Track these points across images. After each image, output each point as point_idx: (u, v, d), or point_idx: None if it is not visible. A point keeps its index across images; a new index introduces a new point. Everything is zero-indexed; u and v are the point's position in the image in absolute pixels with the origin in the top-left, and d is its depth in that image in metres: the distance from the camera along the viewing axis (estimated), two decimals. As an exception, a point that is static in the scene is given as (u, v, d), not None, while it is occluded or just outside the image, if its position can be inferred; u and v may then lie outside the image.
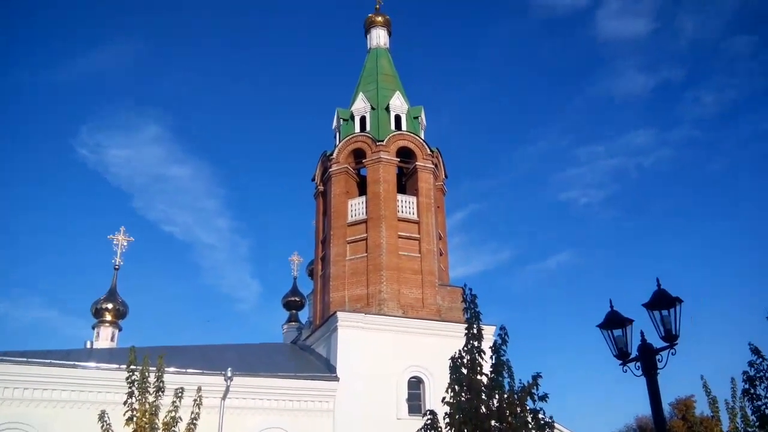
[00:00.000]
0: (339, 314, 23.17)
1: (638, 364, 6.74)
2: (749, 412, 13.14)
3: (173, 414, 11.59)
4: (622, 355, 7.04)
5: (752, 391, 12.31)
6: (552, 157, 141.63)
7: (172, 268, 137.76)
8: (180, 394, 11.91)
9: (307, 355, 26.02)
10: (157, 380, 12.07)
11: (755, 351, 12.51)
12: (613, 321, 7.14)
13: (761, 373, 12.26)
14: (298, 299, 37.32)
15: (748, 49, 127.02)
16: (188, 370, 20.23)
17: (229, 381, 20.63)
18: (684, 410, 63.00)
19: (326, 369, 23.24)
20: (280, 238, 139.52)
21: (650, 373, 6.66)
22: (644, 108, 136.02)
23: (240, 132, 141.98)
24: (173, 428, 11.51)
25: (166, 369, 19.53)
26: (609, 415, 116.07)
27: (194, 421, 11.74)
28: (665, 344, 6.65)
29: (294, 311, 37.77)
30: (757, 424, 12.55)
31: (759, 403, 12.22)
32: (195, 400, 12.26)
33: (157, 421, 11.41)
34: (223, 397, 20.62)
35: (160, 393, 11.91)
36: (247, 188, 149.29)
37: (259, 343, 30.21)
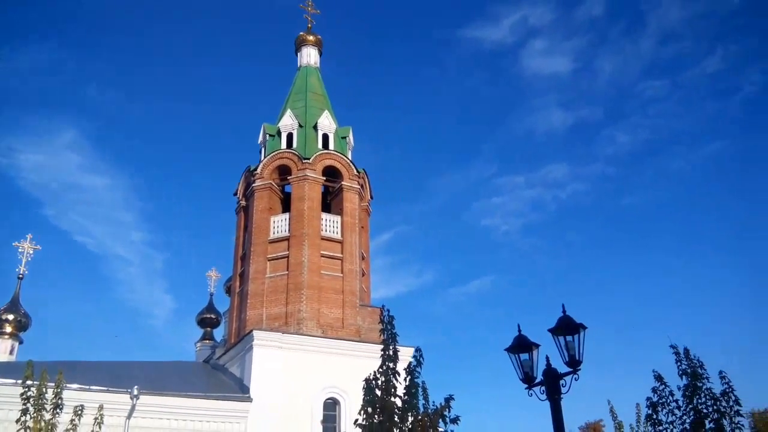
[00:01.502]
0: (255, 333, 22.68)
1: (543, 388, 6.91)
2: (652, 437, 13.68)
3: (70, 433, 10.97)
4: (528, 379, 7.21)
5: (654, 416, 12.83)
6: (475, 185, 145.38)
7: (82, 280, 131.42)
8: (79, 412, 11.28)
9: (219, 374, 25.28)
10: (56, 397, 11.38)
11: (658, 378, 13.06)
12: (521, 345, 7.33)
13: (663, 399, 12.81)
14: (213, 316, 36.31)
15: (660, 93, 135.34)
16: (92, 387, 19.25)
17: (135, 399, 19.76)
18: (593, 434, 65.40)
19: (239, 389, 22.64)
20: (197, 254, 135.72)
21: (554, 397, 6.83)
22: (562, 143, 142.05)
23: (161, 143, 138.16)
24: (70, 449, 10.89)
25: (67, 385, 18.47)
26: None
27: (93, 441, 11.15)
28: (569, 369, 6.85)
29: (209, 329, 36.70)
30: (658, 448, 13.05)
31: (660, 428, 12.75)
32: (96, 419, 11.65)
33: (52, 440, 10.75)
34: (128, 416, 19.72)
35: (58, 410, 11.24)
36: (166, 201, 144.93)
37: (170, 360, 29.17)
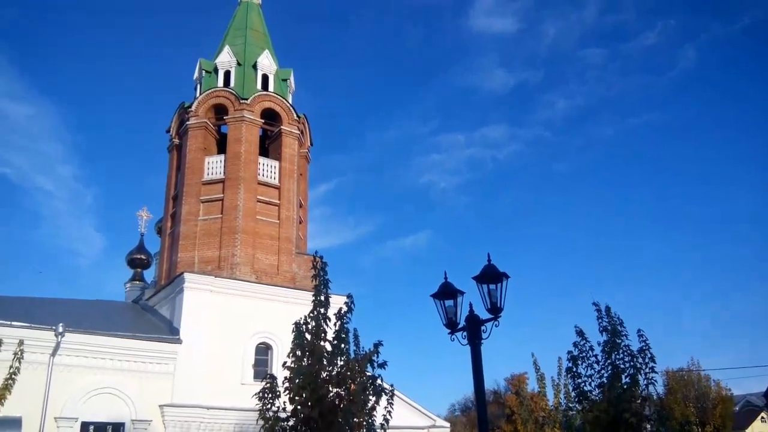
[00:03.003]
0: (186, 275, 22.38)
1: (465, 333, 7.17)
2: (570, 389, 14.45)
3: (-12, 369, 10.67)
4: (451, 325, 7.46)
5: (574, 369, 13.54)
6: (416, 141, 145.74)
7: (3, 213, 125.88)
8: (-2, 347, 11.00)
9: (149, 315, 24.96)
10: (-29, 331, 11.00)
11: (579, 333, 13.73)
12: (446, 292, 7.54)
13: (584, 354, 13.50)
14: (144, 257, 35.54)
15: (599, 61, 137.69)
16: (13, 323, 18.62)
17: (60, 336, 19.29)
18: (517, 385, 68.58)
19: (169, 331, 22.44)
20: (128, 192, 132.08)
21: (474, 342, 7.10)
22: (502, 104, 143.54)
23: (93, 74, 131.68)
24: (-13, 383, 10.61)
25: (-14, 321, 17.97)
26: (450, 388, 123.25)
27: (13, 376, 10.87)
28: (490, 316, 7.11)
29: (139, 270, 35.96)
30: (576, 399, 13.81)
31: (579, 380, 13.47)
32: (15, 354, 11.35)
33: (-33, 375, 10.43)
34: (53, 354, 19.28)
35: (-27, 345, 10.88)
36: (96, 135, 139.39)
37: (98, 299, 28.58)
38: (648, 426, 13.43)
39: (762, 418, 79.08)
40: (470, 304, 7.39)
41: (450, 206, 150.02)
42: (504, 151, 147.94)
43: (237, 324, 22.67)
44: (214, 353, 21.89)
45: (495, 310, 7.11)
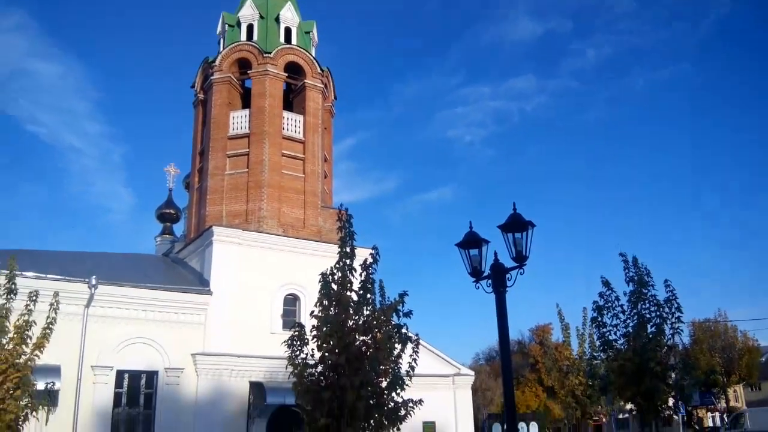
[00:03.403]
0: (215, 228, 22.74)
1: (489, 282, 7.23)
2: (595, 338, 14.57)
3: (26, 318, 11.03)
4: (476, 273, 7.51)
5: (599, 319, 13.62)
6: (441, 94, 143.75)
7: (35, 171, 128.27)
8: (34, 298, 11.33)
9: (179, 267, 25.50)
10: (9, 282, 11.35)
11: (606, 284, 13.76)
12: (471, 241, 7.55)
13: (609, 304, 13.55)
14: (173, 212, 36.08)
15: (630, 10, 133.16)
16: (48, 276, 19.23)
17: (93, 289, 19.87)
18: (542, 336, 69.21)
19: (199, 283, 22.94)
20: (156, 148, 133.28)
21: (499, 290, 7.15)
22: (530, 55, 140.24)
23: (118, 30, 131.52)
24: (26, 332, 11.00)
25: (23, 273, 18.52)
26: (475, 338, 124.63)
27: (50, 326, 11.26)
28: (515, 264, 7.14)
29: (168, 224, 36.57)
30: (601, 348, 13.93)
31: (604, 329, 13.57)
32: (51, 305, 11.73)
33: (7, 324, 10.82)
34: (87, 305, 19.92)
35: (12, 296, 11.24)
36: (123, 92, 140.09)
37: (129, 253, 29.24)
38: (673, 375, 13.52)
39: (788, 368, 78.93)
40: (495, 253, 7.41)
41: (475, 160, 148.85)
42: (531, 102, 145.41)
43: (265, 276, 23.07)
44: (243, 304, 22.38)
45: (520, 259, 7.13)
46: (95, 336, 19.92)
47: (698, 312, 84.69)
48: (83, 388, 19.33)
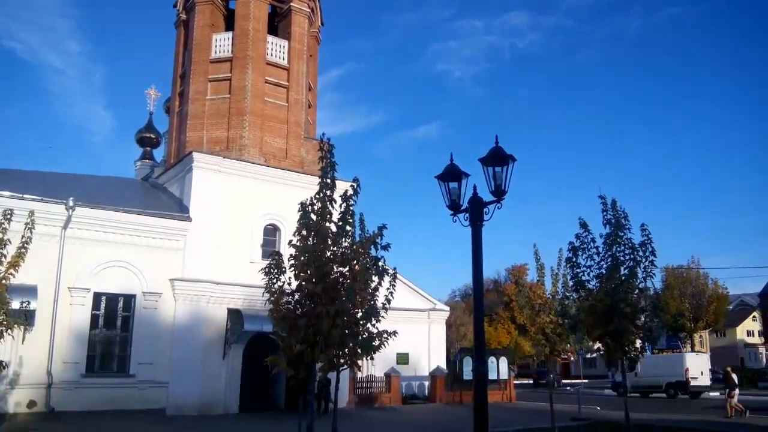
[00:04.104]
0: (195, 155, 22.41)
1: (467, 215, 7.19)
2: (569, 278, 14.76)
3: (0, 236, 10.89)
4: (454, 206, 7.47)
5: (574, 260, 13.76)
6: (433, 26, 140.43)
7: (12, 88, 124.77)
8: (9, 216, 11.15)
9: (159, 193, 25.28)
10: (-18, 200, 11.14)
11: (583, 225, 13.83)
12: (450, 173, 7.48)
13: (585, 245, 13.66)
14: (153, 136, 35.44)
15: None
16: (25, 196, 18.98)
17: (71, 210, 19.69)
18: (517, 275, 70.50)
19: (178, 209, 22.78)
20: (137, 70, 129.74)
21: (476, 224, 7.13)
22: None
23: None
24: (1, 251, 10.86)
25: (0, 192, 18.24)
26: (452, 276, 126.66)
27: (25, 246, 11.13)
28: (494, 198, 7.10)
29: (148, 148, 35.97)
30: (574, 288, 14.15)
31: (578, 270, 13.73)
32: (27, 224, 11.57)
33: (-20, 241, 10.68)
34: (64, 227, 19.76)
35: (-14, 215, 11.05)
36: (104, 10, 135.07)
37: (108, 176, 28.86)
38: (642, 317, 13.83)
39: (753, 316, 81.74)
40: (474, 186, 7.35)
41: (464, 97, 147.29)
42: (524, 39, 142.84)
43: (245, 205, 22.96)
44: (223, 232, 22.34)
45: (499, 193, 7.07)
46: (73, 258, 19.87)
47: (674, 259, 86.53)
48: (60, 309, 19.43)
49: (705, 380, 36.19)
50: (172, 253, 21.75)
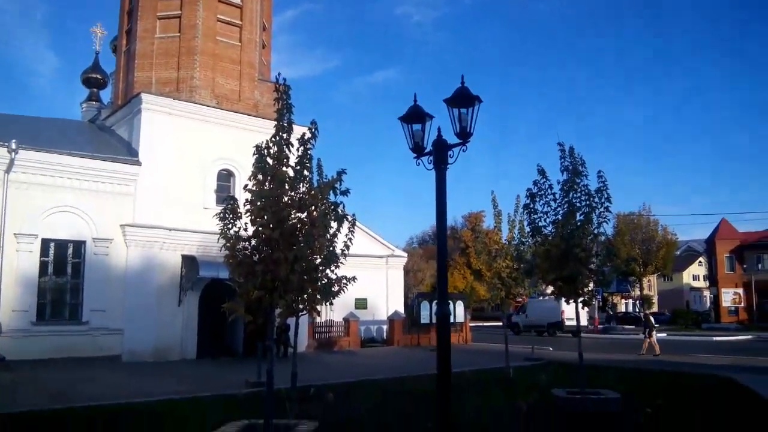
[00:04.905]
0: (144, 96, 21.51)
1: (431, 158, 7.04)
2: (525, 224, 14.90)
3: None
4: (418, 149, 7.29)
5: (531, 206, 13.83)
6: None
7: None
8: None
9: (106, 135, 24.32)
10: None
11: (541, 172, 13.86)
12: (414, 115, 7.27)
13: (542, 192, 13.72)
14: (99, 77, 33.95)
15: None
16: (-38, 138, 18.02)
17: (13, 153, 18.81)
18: (474, 222, 71.41)
19: (127, 152, 22.01)
20: (81, 6, 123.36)
21: (440, 167, 6.99)
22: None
23: None
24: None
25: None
26: (410, 222, 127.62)
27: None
28: (459, 141, 6.94)
29: (95, 89, 34.52)
30: (530, 234, 14.29)
31: (535, 216, 13.83)
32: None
33: None
34: (7, 171, 18.91)
35: None
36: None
37: (53, 117, 27.61)
38: (595, 261, 14.10)
39: (699, 261, 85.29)
40: (438, 129, 7.16)
41: (424, 42, 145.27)
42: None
43: (198, 149, 22.32)
44: (175, 177, 21.73)
45: (464, 135, 6.90)
46: (18, 203, 19.13)
47: (626, 206, 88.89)
48: (6, 255, 18.83)
49: (573, 322, 38.75)
50: (122, 198, 21.11)
